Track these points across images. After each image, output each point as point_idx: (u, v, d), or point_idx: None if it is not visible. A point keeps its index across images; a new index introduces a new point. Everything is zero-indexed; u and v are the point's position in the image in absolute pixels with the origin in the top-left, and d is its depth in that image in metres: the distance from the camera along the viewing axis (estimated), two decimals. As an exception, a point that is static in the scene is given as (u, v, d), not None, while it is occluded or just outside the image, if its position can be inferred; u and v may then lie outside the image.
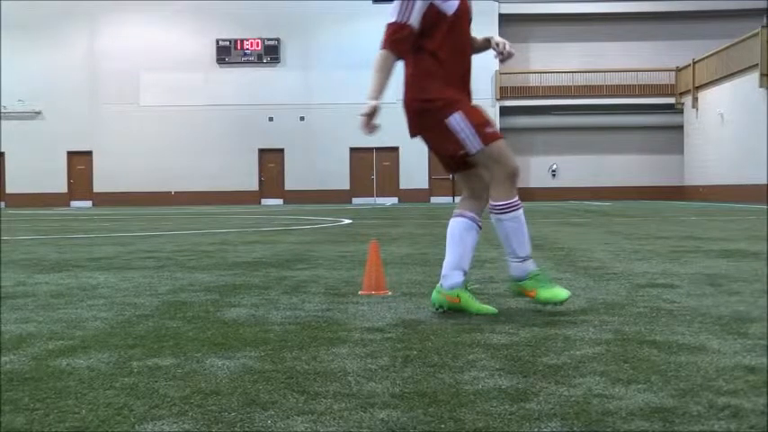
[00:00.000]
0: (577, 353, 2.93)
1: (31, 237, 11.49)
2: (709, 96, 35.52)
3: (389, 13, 3.86)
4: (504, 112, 38.93)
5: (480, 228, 4.09)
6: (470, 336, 3.29)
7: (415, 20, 3.81)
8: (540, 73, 39.36)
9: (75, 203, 39.00)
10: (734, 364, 2.72)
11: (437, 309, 3.93)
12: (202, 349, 3.06)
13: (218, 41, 38.75)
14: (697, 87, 36.62)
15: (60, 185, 39.31)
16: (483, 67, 38.45)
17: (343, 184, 38.99)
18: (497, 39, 4.22)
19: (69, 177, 39.43)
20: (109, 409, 2.24)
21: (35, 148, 38.55)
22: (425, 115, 3.88)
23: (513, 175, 3.91)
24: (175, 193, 38.85)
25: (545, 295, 3.89)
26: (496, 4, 38.77)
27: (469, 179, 4.05)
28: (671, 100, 39.23)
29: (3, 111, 38.48)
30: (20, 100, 38.56)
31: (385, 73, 3.84)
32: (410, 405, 2.25)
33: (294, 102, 38.44)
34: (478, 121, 3.84)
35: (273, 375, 2.61)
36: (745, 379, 2.51)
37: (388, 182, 38.97)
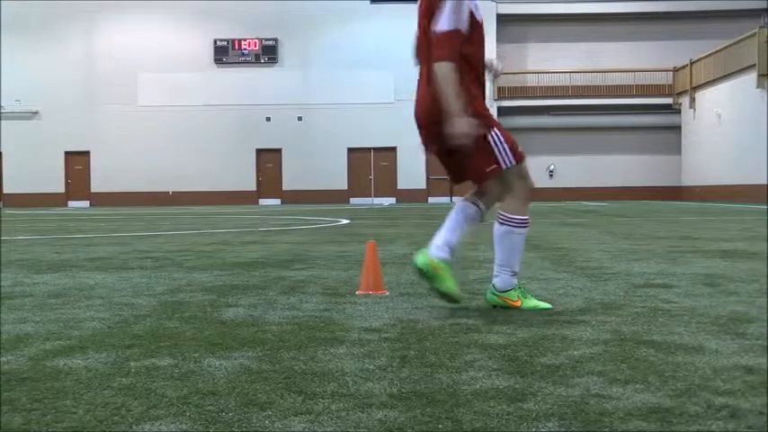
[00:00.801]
0: (575, 353, 2.93)
1: (28, 237, 11.48)
2: (706, 96, 35.57)
3: (440, 21, 3.77)
4: (503, 112, 38.92)
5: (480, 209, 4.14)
6: (468, 336, 3.29)
7: (465, 25, 3.81)
8: (538, 73, 39.39)
9: (72, 203, 38.98)
10: (731, 364, 2.73)
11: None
12: (200, 349, 3.06)
13: (215, 41, 38.76)
14: (694, 87, 36.68)
15: (58, 185, 39.29)
16: (481, 68, 38.50)
17: (341, 184, 39.00)
18: (494, 59, 4.30)
19: (67, 177, 39.42)
20: (106, 410, 2.23)
21: (32, 148, 38.54)
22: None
23: (530, 193, 4.04)
24: (173, 193, 38.84)
25: (531, 304, 3.97)
26: (494, 4, 38.77)
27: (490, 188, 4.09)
28: (668, 100, 39.29)
29: (0, 111, 38.46)
30: (17, 100, 38.55)
31: (458, 86, 3.77)
32: (408, 405, 2.25)
33: (292, 102, 38.45)
34: (511, 138, 3.94)
35: (271, 375, 2.61)
36: (743, 379, 2.51)
37: (386, 182, 38.99)
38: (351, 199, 38.72)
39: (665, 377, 2.54)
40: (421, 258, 3.97)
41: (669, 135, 39.35)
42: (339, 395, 2.36)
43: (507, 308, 3.94)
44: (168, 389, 2.45)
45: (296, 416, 2.16)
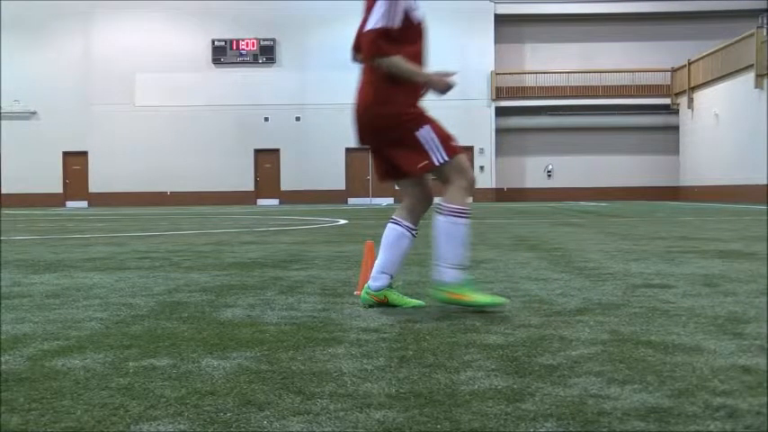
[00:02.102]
0: (573, 353, 2.93)
1: (26, 237, 11.47)
2: (704, 97, 35.60)
3: (371, 19, 3.85)
4: (500, 112, 38.97)
5: (414, 236, 4.17)
6: (466, 336, 3.29)
7: (398, 23, 3.87)
8: (536, 73, 39.40)
9: (70, 204, 38.96)
10: (729, 364, 2.73)
11: (368, 306, 4.07)
12: (198, 350, 3.06)
13: (213, 42, 38.76)
14: (692, 88, 36.71)
15: (56, 186, 39.27)
16: (479, 68, 38.53)
17: (339, 184, 39.01)
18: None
19: (65, 178, 39.40)
20: (104, 410, 2.23)
21: (30, 149, 38.53)
22: (394, 128, 3.91)
23: (471, 186, 4.02)
24: (171, 193, 38.83)
25: (484, 299, 3.93)
26: (492, 4, 38.81)
27: (413, 189, 4.14)
28: (666, 100, 39.31)
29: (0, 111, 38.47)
30: (15, 100, 38.53)
31: (408, 64, 3.88)
32: (406, 405, 2.25)
33: (290, 102, 38.45)
34: (444, 134, 3.95)
35: (269, 376, 2.61)
36: (741, 379, 2.52)
37: (385, 182, 38.93)
38: (349, 199, 38.72)
39: (663, 377, 2.55)
40: (363, 296, 4.11)
41: (667, 135, 39.38)
42: (337, 395, 2.36)
43: (457, 303, 3.92)
44: (166, 389, 2.45)
45: (294, 416, 2.16)
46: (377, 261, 4.13)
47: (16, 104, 38.60)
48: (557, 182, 39.93)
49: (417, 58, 3.98)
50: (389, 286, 4.11)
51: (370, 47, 3.85)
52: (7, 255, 7.86)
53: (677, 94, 38.76)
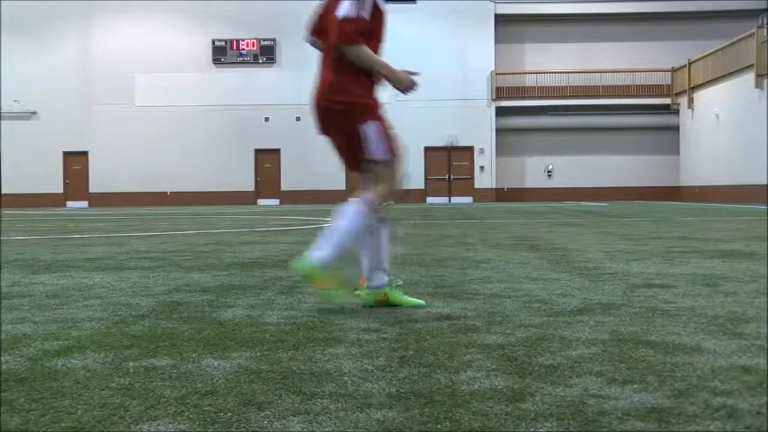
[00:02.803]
0: (573, 353, 2.93)
1: (26, 237, 11.47)
2: (704, 97, 35.59)
3: (345, 6, 3.84)
4: (500, 112, 38.96)
5: (386, 223, 4.18)
6: (466, 336, 3.29)
7: (367, 13, 3.89)
8: (536, 73, 39.39)
9: (70, 204, 38.96)
10: (729, 364, 2.73)
11: (368, 307, 4.05)
12: (198, 349, 3.06)
13: (213, 42, 38.75)
14: (693, 88, 36.70)
15: (56, 186, 39.27)
16: (479, 68, 38.54)
17: (340, 184, 38.97)
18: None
19: (65, 178, 39.39)
20: (105, 410, 2.23)
21: (31, 149, 38.52)
22: (342, 117, 3.93)
23: (392, 197, 4.06)
24: (171, 193, 38.82)
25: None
26: (492, 4, 38.80)
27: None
28: (667, 100, 39.30)
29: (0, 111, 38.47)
30: (16, 100, 38.52)
31: (375, 55, 3.92)
32: (406, 405, 2.25)
33: (290, 102, 38.41)
34: (391, 136, 3.98)
35: (269, 376, 2.61)
36: (741, 379, 2.52)
37: (385, 182, 38.93)
38: (350, 199, 38.64)
39: (664, 377, 2.55)
40: (364, 297, 4.08)
41: (667, 135, 39.37)
42: (337, 395, 2.36)
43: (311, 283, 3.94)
44: (167, 389, 2.45)
45: (294, 416, 2.16)
46: (365, 260, 4.11)
47: (16, 104, 38.59)
48: (557, 182, 39.92)
49: (377, 47, 4.00)
50: (390, 285, 4.11)
51: (340, 34, 3.84)
52: (7, 255, 7.86)
53: (677, 94, 38.75)
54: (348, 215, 3.96)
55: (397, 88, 3.98)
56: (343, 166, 4.23)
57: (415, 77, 3.98)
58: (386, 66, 3.95)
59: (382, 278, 4.09)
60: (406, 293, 4.29)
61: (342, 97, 3.93)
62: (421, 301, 4.15)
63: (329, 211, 23.70)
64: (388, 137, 3.97)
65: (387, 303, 4.08)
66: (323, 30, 4.04)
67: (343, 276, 4.08)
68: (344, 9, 3.84)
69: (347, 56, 3.88)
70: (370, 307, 4.08)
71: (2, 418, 2.17)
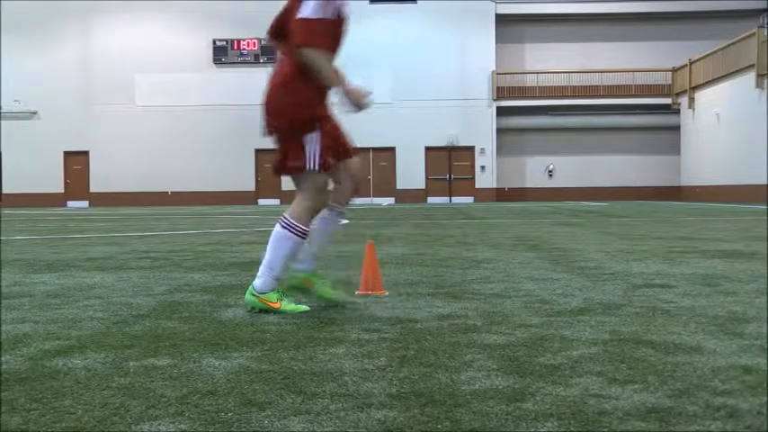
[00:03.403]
0: (574, 353, 2.93)
1: (27, 237, 11.47)
2: (705, 97, 35.59)
3: (308, 7, 3.77)
4: (501, 112, 38.95)
5: (344, 216, 4.27)
6: (467, 336, 3.29)
7: (331, 14, 3.82)
8: (537, 73, 39.39)
9: (71, 203, 38.97)
10: (730, 364, 2.73)
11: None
12: (199, 349, 3.06)
13: (214, 41, 38.76)
14: (693, 88, 36.69)
15: (56, 186, 39.28)
16: (480, 68, 38.54)
17: (340, 184, 38.94)
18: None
19: (66, 177, 39.40)
20: (105, 410, 2.23)
21: (31, 149, 38.53)
22: (291, 121, 3.87)
23: (317, 210, 4.04)
24: (172, 193, 38.82)
25: (289, 307, 3.95)
26: (493, 4, 38.79)
27: (336, 174, 4.11)
28: (667, 100, 39.29)
29: (0, 111, 38.46)
30: (16, 100, 38.53)
31: (332, 65, 3.84)
32: (407, 405, 2.25)
33: (291, 102, 38.39)
34: (329, 148, 3.92)
35: (270, 375, 2.61)
36: (742, 379, 2.52)
37: (385, 182, 38.98)
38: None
39: (664, 377, 2.55)
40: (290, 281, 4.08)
41: (668, 135, 39.36)
42: (338, 395, 2.36)
43: (266, 310, 3.92)
44: (167, 389, 2.45)
45: (295, 416, 2.16)
46: (307, 247, 4.11)
47: (17, 104, 38.60)
48: (557, 182, 39.92)
49: (336, 52, 3.95)
50: (314, 273, 4.14)
51: (302, 35, 3.77)
52: (8, 254, 7.86)
53: (678, 94, 38.74)
54: (277, 240, 3.94)
55: (348, 104, 3.87)
56: (273, 170, 4.16)
57: (366, 98, 3.85)
58: (338, 79, 3.83)
59: (310, 263, 4.12)
60: (408, 291, 4.29)
61: (292, 100, 3.85)
62: (348, 298, 4.17)
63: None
64: (325, 149, 3.89)
65: (307, 290, 4.11)
66: (283, 32, 3.97)
67: (282, 294, 4.04)
68: (308, 10, 3.77)
69: (303, 59, 3.78)
70: (292, 287, 4.07)
71: (2, 417, 2.17)
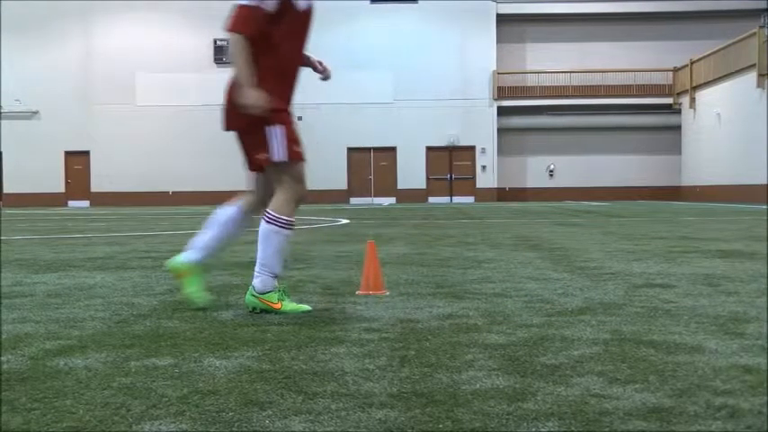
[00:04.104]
0: (575, 353, 2.93)
1: (27, 237, 11.47)
2: (706, 97, 35.57)
3: None
4: (502, 112, 38.94)
5: (247, 224, 4.31)
6: (468, 336, 3.29)
7: (270, 5, 3.76)
8: (538, 73, 39.38)
9: (72, 203, 38.97)
10: (731, 364, 2.73)
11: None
12: (200, 349, 3.06)
13: (215, 41, 38.72)
14: (694, 87, 36.67)
15: (57, 185, 39.28)
16: (481, 68, 38.54)
17: (341, 184, 38.99)
18: (317, 59, 4.32)
19: (66, 177, 39.40)
20: (106, 409, 2.23)
21: (32, 148, 38.53)
22: (249, 116, 3.83)
23: (301, 198, 4.01)
24: (173, 193, 38.83)
25: (290, 307, 3.93)
26: (494, 4, 38.79)
27: (268, 185, 4.09)
28: (668, 100, 39.27)
29: (0, 111, 38.45)
30: (17, 100, 38.53)
31: (248, 58, 3.78)
32: (408, 405, 2.25)
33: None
34: (294, 138, 3.91)
35: (271, 375, 2.61)
36: (742, 379, 2.52)
37: (386, 182, 38.97)
38: (351, 199, 38.71)
39: (665, 377, 2.55)
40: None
41: (669, 135, 39.34)
42: (339, 395, 2.36)
43: (268, 311, 3.91)
44: (168, 388, 2.46)
45: (296, 415, 2.16)
46: (201, 236, 4.15)
47: (17, 104, 38.61)
48: (558, 181, 39.91)
49: (297, 47, 3.93)
50: (200, 262, 4.14)
51: (231, 20, 3.75)
52: (9, 254, 7.86)
53: (679, 94, 38.72)
54: (267, 237, 3.94)
55: (238, 101, 3.78)
56: (246, 166, 4.15)
57: (262, 104, 3.74)
58: (246, 79, 3.76)
59: (196, 255, 4.12)
60: (407, 292, 4.28)
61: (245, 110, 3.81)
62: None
63: (329, 211, 23.66)
64: (290, 140, 3.89)
65: (179, 279, 4.12)
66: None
67: (204, 280, 4.07)
68: None
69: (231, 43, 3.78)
70: (166, 271, 4.08)
71: (3, 417, 2.17)
